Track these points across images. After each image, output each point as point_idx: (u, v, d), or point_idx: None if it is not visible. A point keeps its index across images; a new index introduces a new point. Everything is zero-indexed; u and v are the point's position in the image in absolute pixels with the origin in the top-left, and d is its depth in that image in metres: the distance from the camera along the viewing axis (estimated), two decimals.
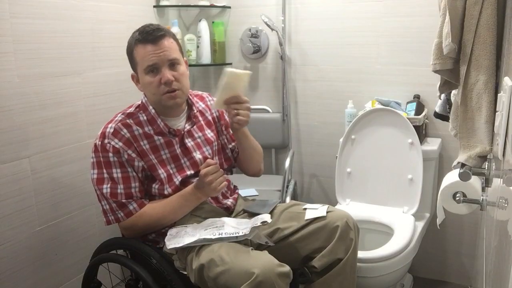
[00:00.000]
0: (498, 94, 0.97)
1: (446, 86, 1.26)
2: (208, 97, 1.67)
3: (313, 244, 1.44)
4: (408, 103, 2.15)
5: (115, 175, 1.42)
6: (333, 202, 2.24)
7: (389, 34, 2.19)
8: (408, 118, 2.00)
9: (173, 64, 1.44)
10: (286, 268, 1.24)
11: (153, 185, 1.47)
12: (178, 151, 1.51)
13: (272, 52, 2.49)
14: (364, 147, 2.11)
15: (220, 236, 1.34)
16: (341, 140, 2.15)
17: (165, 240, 1.38)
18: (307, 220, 1.46)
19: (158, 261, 1.40)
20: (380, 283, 1.72)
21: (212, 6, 2.48)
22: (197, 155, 1.53)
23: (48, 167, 1.84)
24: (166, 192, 1.46)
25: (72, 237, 1.98)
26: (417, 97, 2.16)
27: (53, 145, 1.86)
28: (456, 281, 2.31)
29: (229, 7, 2.52)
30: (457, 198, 1.20)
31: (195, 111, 1.57)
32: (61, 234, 1.92)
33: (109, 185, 1.41)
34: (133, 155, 1.42)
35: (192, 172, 1.51)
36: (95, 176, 1.43)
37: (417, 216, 1.99)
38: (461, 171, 1.04)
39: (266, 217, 1.42)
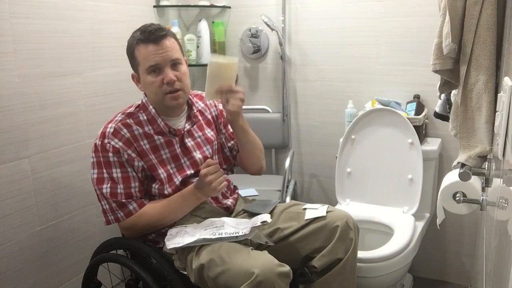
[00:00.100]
0: (498, 94, 0.97)
1: (446, 86, 1.26)
2: None
3: (313, 244, 1.44)
4: (408, 103, 2.15)
5: (115, 175, 1.42)
6: (333, 202, 2.24)
7: (389, 34, 2.19)
8: (408, 118, 2.00)
9: (175, 64, 1.44)
10: (286, 268, 1.24)
11: (153, 185, 1.47)
12: (178, 150, 1.51)
13: (272, 52, 2.49)
14: (364, 147, 2.11)
15: (220, 236, 1.34)
16: (341, 140, 2.15)
17: (165, 240, 1.38)
18: (307, 220, 1.46)
19: (158, 261, 1.40)
20: (380, 283, 1.72)
21: (212, 6, 2.48)
22: (197, 155, 1.53)
23: (48, 167, 1.84)
24: (166, 192, 1.46)
25: (72, 237, 1.98)
26: (417, 97, 2.16)
27: (53, 145, 1.86)
28: (456, 281, 2.31)
29: (229, 7, 2.52)
30: (457, 198, 1.19)
31: (195, 110, 1.57)
32: (61, 234, 1.92)
33: (109, 185, 1.41)
34: (133, 155, 1.42)
35: (192, 171, 1.51)
36: (95, 176, 1.43)
37: (417, 216, 1.99)
38: (461, 171, 1.04)
39: (266, 217, 1.42)
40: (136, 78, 1.49)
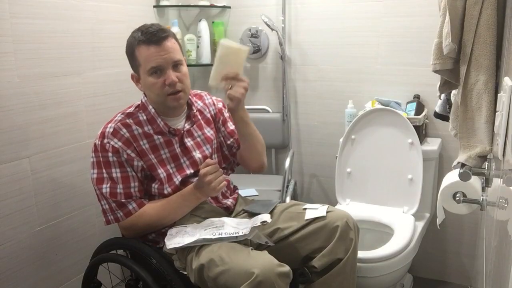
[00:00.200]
0: (498, 94, 0.97)
1: (446, 86, 1.26)
2: (206, 96, 1.67)
3: (313, 244, 1.44)
4: (408, 103, 2.15)
5: (114, 174, 1.42)
6: (333, 202, 2.24)
7: (389, 34, 2.19)
8: (408, 118, 2.00)
9: (176, 65, 1.43)
10: (286, 268, 1.24)
11: (153, 185, 1.47)
12: (178, 150, 1.51)
13: (272, 52, 2.49)
14: (364, 147, 2.11)
15: (220, 236, 1.34)
16: (341, 140, 2.15)
17: (165, 240, 1.38)
18: (307, 220, 1.46)
19: (158, 261, 1.40)
20: (380, 283, 1.72)
21: (212, 6, 2.48)
22: (197, 155, 1.53)
23: (48, 167, 1.84)
24: (165, 192, 1.46)
25: (72, 237, 1.98)
26: (417, 97, 2.16)
27: (53, 145, 1.86)
28: (456, 281, 2.31)
29: (229, 7, 2.52)
30: (457, 198, 1.19)
31: (195, 110, 1.57)
32: (61, 234, 1.92)
33: (108, 185, 1.41)
34: (133, 154, 1.42)
35: (192, 171, 1.51)
36: (94, 176, 1.43)
37: (417, 216, 1.99)
38: (461, 171, 1.04)
39: (266, 217, 1.42)
40: (136, 78, 1.49)
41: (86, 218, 2.03)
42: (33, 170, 1.78)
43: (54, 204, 1.88)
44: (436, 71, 1.18)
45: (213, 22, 2.50)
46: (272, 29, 2.31)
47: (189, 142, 1.53)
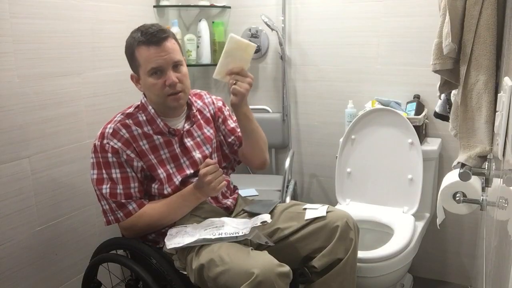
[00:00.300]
0: (498, 94, 0.97)
1: (446, 86, 1.26)
2: (206, 95, 1.67)
3: (313, 244, 1.44)
4: (408, 103, 2.15)
5: (114, 175, 1.42)
6: (333, 202, 2.24)
7: (389, 34, 2.19)
8: (408, 118, 2.00)
9: (176, 66, 1.43)
10: (286, 268, 1.24)
11: (153, 185, 1.47)
12: (178, 150, 1.51)
13: (272, 52, 2.49)
14: (364, 147, 2.11)
15: (220, 236, 1.34)
16: (341, 140, 2.15)
17: (165, 240, 1.38)
18: (307, 220, 1.46)
19: (158, 261, 1.40)
20: (380, 283, 1.72)
21: (212, 6, 2.48)
22: (197, 155, 1.53)
23: (48, 167, 1.84)
24: (165, 192, 1.46)
25: (72, 237, 1.98)
26: (417, 97, 2.16)
27: (53, 145, 1.86)
28: (456, 281, 2.31)
29: (229, 7, 2.52)
30: (457, 198, 1.19)
31: (194, 110, 1.57)
32: (61, 234, 1.92)
33: (108, 186, 1.41)
34: (132, 155, 1.42)
35: (192, 171, 1.51)
36: (94, 176, 1.43)
37: (417, 216, 1.99)
38: (461, 171, 1.04)
39: (266, 217, 1.42)
40: (136, 79, 1.49)
41: (86, 218, 2.03)
42: (33, 170, 1.78)
43: (54, 204, 1.88)
44: (436, 71, 1.18)
45: (213, 22, 2.50)
46: (272, 29, 2.31)
47: (189, 142, 1.53)
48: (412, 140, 1.99)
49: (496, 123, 0.93)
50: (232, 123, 1.65)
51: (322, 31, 2.34)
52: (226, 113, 1.66)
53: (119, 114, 1.49)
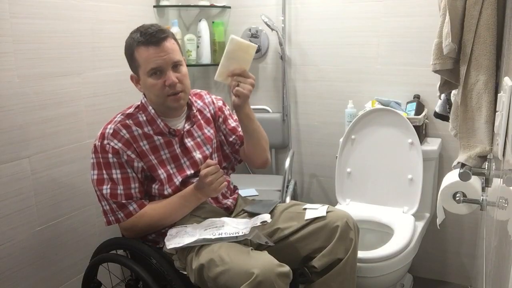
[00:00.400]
0: (498, 94, 0.97)
1: (446, 86, 1.26)
2: (206, 95, 1.67)
3: (313, 244, 1.44)
4: (408, 103, 2.15)
5: (114, 176, 1.42)
6: (333, 202, 2.24)
7: (389, 34, 2.19)
8: (408, 118, 2.00)
9: (176, 66, 1.43)
10: (286, 268, 1.24)
11: (153, 186, 1.47)
12: (178, 151, 1.51)
13: (272, 52, 2.49)
14: (364, 147, 2.11)
15: (220, 236, 1.34)
16: (341, 140, 2.15)
17: (165, 240, 1.38)
18: (307, 220, 1.46)
19: (158, 261, 1.40)
20: (380, 283, 1.72)
21: (212, 6, 2.48)
22: (197, 155, 1.53)
23: (48, 167, 1.84)
24: (166, 193, 1.46)
25: (72, 237, 1.98)
26: (417, 97, 2.16)
27: (53, 145, 1.86)
28: (456, 281, 2.31)
29: (229, 7, 2.52)
30: (457, 198, 1.19)
31: (195, 110, 1.57)
32: (61, 234, 1.92)
33: (109, 186, 1.41)
34: (133, 156, 1.42)
35: (192, 172, 1.51)
36: (95, 177, 1.43)
37: (417, 216, 1.99)
38: (461, 171, 1.04)
39: (266, 217, 1.42)
40: (135, 79, 1.49)
41: (86, 218, 2.03)
42: (33, 170, 1.78)
43: (54, 204, 1.88)
44: (436, 71, 1.18)
45: (213, 22, 2.50)
46: (272, 29, 2.31)
47: (189, 142, 1.53)
48: (412, 140, 1.99)
49: (496, 123, 0.93)
50: (232, 123, 1.65)
51: (322, 31, 2.34)
52: (227, 112, 1.66)
53: (119, 115, 1.49)
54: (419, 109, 2.09)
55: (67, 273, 1.97)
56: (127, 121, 1.46)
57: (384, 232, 1.94)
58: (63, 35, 1.85)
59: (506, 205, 0.73)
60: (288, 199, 2.25)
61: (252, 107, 1.55)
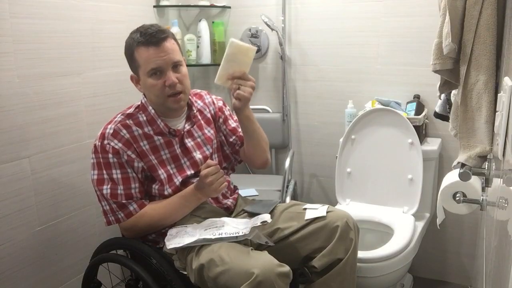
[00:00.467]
0: (498, 94, 0.97)
1: (446, 86, 1.26)
2: (206, 95, 1.67)
3: (313, 244, 1.44)
4: (408, 103, 2.15)
5: (115, 176, 1.42)
6: (333, 202, 2.24)
7: (389, 34, 2.19)
8: (408, 118, 2.00)
9: (176, 66, 1.43)
10: (286, 268, 1.24)
11: (153, 186, 1.47)
12: (178, 151, 1.51)
13: (272, 52, 2.49)
14: (364, 147, 2.11)
15: (220, 236, 1.34)
16: (341, 140, 2.15)
17: (165, 240, 1.38)
18: (307, 220, 1.46)
19: (158, 261, 1.40)
20: (380, 283, 1.72)
21: (212, 6, 2.48)
22: (197, 155, 1.53)
23: (48, 167, 1.84)
24: (166, 193, 1.46)
25: (72, 237, 1.98)
26: (417, 97, 2.16)
27: (53, 145, 1.86)
28: (456, 281, 2.31)
29: (229, 7, 2.52)
30: (457, 198, 1.20)
31: (195, 111, 1.57)
32: (61, 234, 1.92)
33: (109, 186, 1.41)
34: (133, 156, 1.42)
35: (192, 172, 1.51)
36: (95, 177, 1.43)
37: (417, 216, 1.99)
38: (461, 171, 1.04)
39: (266, 217, 1.42)
40: (135, 80, 1.48)
41: (86, 218, 2.03)
42: (33, 170, 1.78)
43: (54, 204, 1.88)
44: (436, 71, 1.18)
45: (213, 22, 2.50)
46: (272, 29, 2.31)
47: (189, 142, 1.53)
48: (412, 140, 1.99)
49: (496, 123, 0.93)
50: (233, 123, 1.65)
51: (322, 31, 2.34)
52: (227, 113, 1.66)
53: (119, 115, 1.49)
54: (419, 109, 2.09)
55: (67, 273, 1.97)
56: (127, 121, 1.46)
57: (384, 232, 1.94)
58: (63, 35, 1.85)
59: (506, 205, 0.73)
60: (288, 199, 2.25)
61: (252, 107, 1.55)
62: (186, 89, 1.47)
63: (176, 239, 1.36)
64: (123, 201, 1.42)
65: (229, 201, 1.59)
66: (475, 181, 1.20)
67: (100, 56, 2.03)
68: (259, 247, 1.42)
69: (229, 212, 1.58)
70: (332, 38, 2.32)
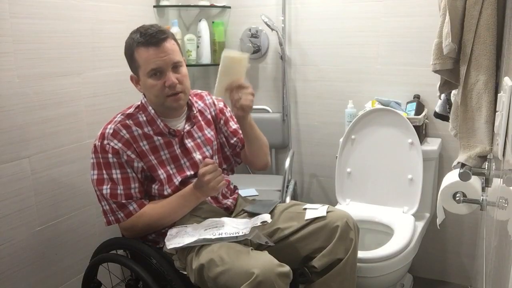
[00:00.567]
0: (498, 94, 0.97)
1: (446, 86, 1.26)
2: (207, 96, 1.67)
3: (313, 244, 1.44)
4: (408, 103, 2.15)
5: (114, 176, 1.42)
6: (333, 202, 2.24)
7: (389, 34, 2.19)
8: (408, 118, 2.00)
9: (176, 67, 1.43)
10: (286, 268, 1.24)
11: (153, 186, 1.47)
12: (178, 151, 1.51)
13: (272, 52, 2.49)
14: (364, 147, 2.11)
15: (220, 236, 1.34)
16: (341, 140, 2.15)
17: (165, 240, 1.38)
18: (307, 220, 1.46)
19: (158, 261, 1.40)
20: (380, 283, 1.72)
21: (212, 6, 2.48)
22: (197, 156, 1.53)
23: (48, 167, 1.84)
24: (165, 193, 1.46)
25: (72, 237, 1.98)
26: (417, 97, 2.16)
27: (53, 145, 1.86)
28: (456, 281, 2.31)
29: (229, 7, 2.52)
30: (457, 198, 1.19)
31: (195, 111, 1.57)
32: (61, 234, 1.92)
33: (109, 186, 1.41)
34: (133, 156, 1.42)
35: (192, 172, 1.51)
36: (95, 177, 1.43)
37: (417, 216, 1.99)
38: (461, 171, 1.04)
39: (266, 217, 1.42)
40: (135, 80, 1.48)
41: (86, 218, 2.03)
42: (33, 170, 1.78)
43: (54, 204, 1.88)
44: (436, 71, 1.18)
45: (213, 22, 2.50)
46: (272, 29, 2.31)
47: (189, 143, 1.53)
48: (412, 140, 1.99)
49: (496, 123, 0.93)
50: (234, 125, 1.65)
51: (322, 31, 2.34)
52: (228, 114, 1.66)
53: (119, 115, 1.49)
54: (419, 109, 2.09)
55: (67, 273, 1.97)
56: (127, 121, 1.46)
57: (384, 232, 1.94)
58: (63, 35, 1.85)
59: (506, 205, 0.73)
60: (288, 199, 2.25)
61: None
62: (186, 89, 1.47)
63: (176, 239, 1.36)
64: (123, 201, 1.42)
65: (229, 201, 1.59)
66: (475, 181, 1.20)
67: (100, 56, 2.03)
68: (259, 247, 1.42)
69: (229, 212, 1.58)
70: (332, 38, 2.32)
